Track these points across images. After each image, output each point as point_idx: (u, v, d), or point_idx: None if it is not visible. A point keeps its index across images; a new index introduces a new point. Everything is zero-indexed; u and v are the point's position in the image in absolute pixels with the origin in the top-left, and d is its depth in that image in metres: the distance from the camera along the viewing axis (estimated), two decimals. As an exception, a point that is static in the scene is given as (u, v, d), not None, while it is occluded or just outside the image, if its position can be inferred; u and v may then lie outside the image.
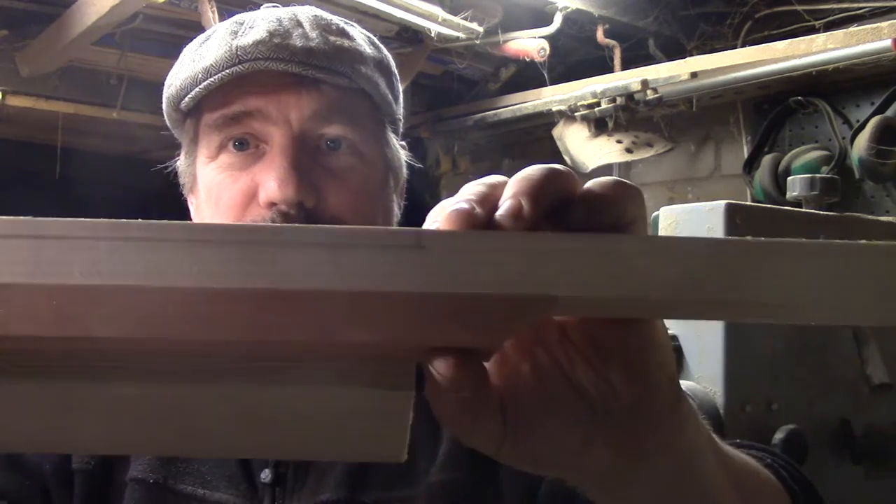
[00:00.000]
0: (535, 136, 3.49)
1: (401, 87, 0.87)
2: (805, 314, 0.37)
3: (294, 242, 0.33)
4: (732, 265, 0.34)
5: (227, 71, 0.73)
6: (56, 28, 2.49)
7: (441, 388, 0.37)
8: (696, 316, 0.38)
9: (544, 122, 3.15)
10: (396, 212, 0.84)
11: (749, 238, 0.35)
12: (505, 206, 0.36)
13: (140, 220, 0.33)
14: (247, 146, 0.75)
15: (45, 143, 3.23)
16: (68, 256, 0.32)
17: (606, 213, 0.37)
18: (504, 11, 2.77)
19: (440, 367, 0.36)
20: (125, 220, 0.33)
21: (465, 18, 2.63)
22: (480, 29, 2.70)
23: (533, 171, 0.38)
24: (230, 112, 0.75)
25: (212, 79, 0.74)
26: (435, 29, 2.59)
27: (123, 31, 2.59)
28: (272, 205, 0.73)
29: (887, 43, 2.22)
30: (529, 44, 2.83)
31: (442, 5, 2.56)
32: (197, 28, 2.38)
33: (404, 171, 0.86)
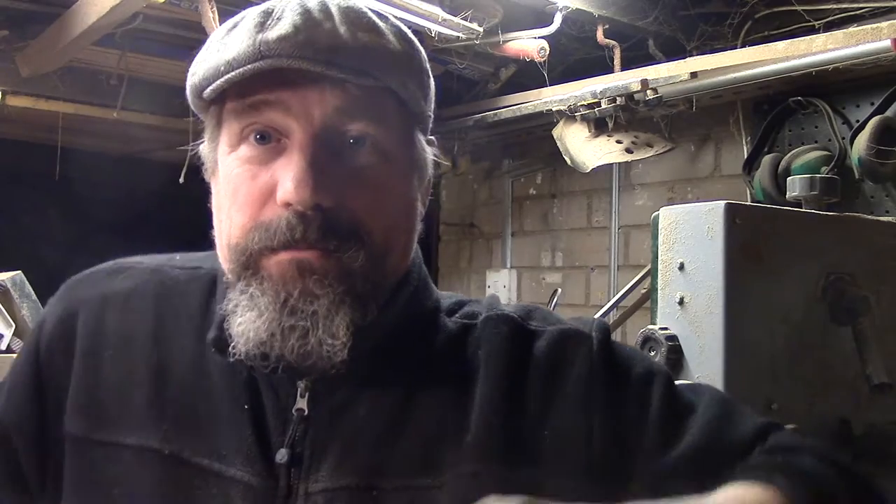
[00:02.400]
0: (535, 136, 3.49)
1: (432, 83, 0.84)
2: None
3: None
4: None
5: (249, 66, 0.71)
6: (56, 28, 2.49)
7: None
8: None
9: (544, 122, 3.14)
10: (421, 210, 0.83)
11: None
12: None
13: None
14: (268, 140, 0.74)
15: (45, 143, 3.23)
16: None
17: None
18: (504, 11, 2.77)
19: None
20: None
21: (465, 18, 2.63)
22: (480, 29, 2.70)
23: None
24: (251, 101, 0.74)
25: (233, 73, 0.72)
26: (435, 29, 2.59)
27: (123, 31, 2.59)
28: (288, 205, 0.72)
29: (887, 43, 2.21)
30: (529, 44, 2.82)
31: (442, 5, 2.56)
32: (197, 28, 2.37)
33: (430, 169, 0.84)
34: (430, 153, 0.84)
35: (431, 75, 0.83)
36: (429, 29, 2.59)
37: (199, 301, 0.83)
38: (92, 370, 0.81)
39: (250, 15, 0.75)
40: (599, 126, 2.84)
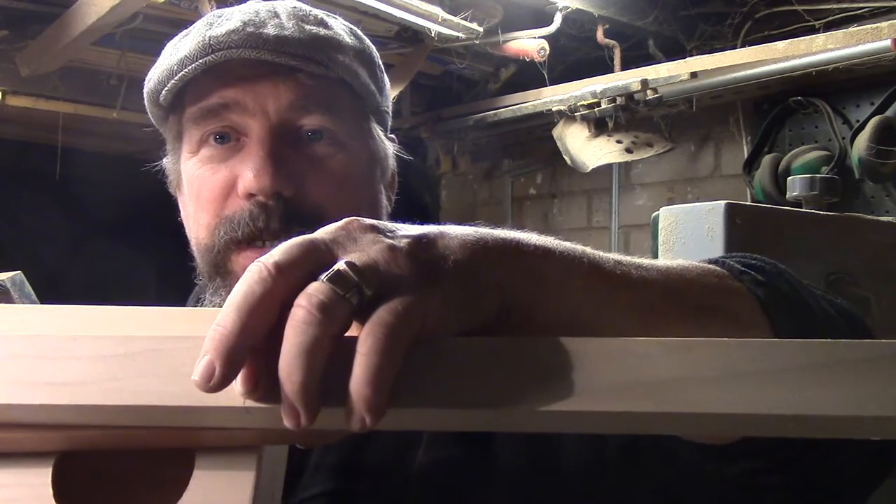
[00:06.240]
0: (535, 136, 3.49)
1: (387, 79, 0.85)
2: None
3: None
4: None
5: (201, 61, 0.73)
6: (56, 28, 2.48)
7: None
8: None
9: (544, 122, 3.14)
10: (385, 204, 0.83)
11: None
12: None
13: None
14: (227, 139, 0.76)
15: (45, 143, 3.23)
16: None
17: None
18: (504, 11, 2.77)
19: None
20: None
21: (465, 18, 2.63)
22: (480, 29, 2.70)
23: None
24: (208, 105, 0.75)
25: (186, 69, 0.74)
26: (435, 29, 2.59)
27: (123, 31, 2.58)
28: (251, 196, 0.73)
29: (887, 43, 2.22)
30: (529, 44, 2.82)
31: (442, 5, 2.56)
32: (197, 28, 2.37)
33: (392, 163, 0.85)
34: (390, 148, 0.84)
35: (385, 71, 0.84)
36: (429, 29, 2.59)
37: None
38: None
39: (200, 21, 0.78)
40: (599, 126, 2.84)
